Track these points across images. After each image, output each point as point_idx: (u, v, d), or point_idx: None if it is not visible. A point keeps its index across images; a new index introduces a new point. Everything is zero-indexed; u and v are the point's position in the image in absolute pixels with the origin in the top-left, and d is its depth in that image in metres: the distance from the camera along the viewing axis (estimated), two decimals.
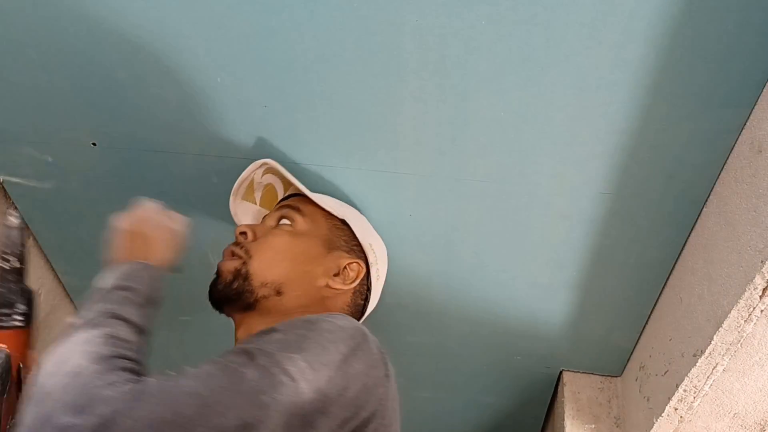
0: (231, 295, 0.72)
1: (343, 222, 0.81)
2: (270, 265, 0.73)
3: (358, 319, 0.81)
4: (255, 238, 0.76)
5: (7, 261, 0.75)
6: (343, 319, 0.63)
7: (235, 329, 0.75)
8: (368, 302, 0.81)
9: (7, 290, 0.75)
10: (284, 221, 0.78)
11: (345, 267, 0.77)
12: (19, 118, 0.92)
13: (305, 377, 0.53)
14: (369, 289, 0.81)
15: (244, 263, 0.73)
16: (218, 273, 0.75)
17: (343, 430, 0.55)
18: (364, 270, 0.78)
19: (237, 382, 0.50)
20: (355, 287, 0.77)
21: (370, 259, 0.80)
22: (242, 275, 0.72)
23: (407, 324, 1.16)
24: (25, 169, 1.00)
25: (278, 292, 0.72)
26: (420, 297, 1.09)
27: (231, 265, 0.73)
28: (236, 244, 0.77)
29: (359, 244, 0.81)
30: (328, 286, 0.75)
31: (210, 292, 0.74)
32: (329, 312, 0.74)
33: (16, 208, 1.08)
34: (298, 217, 0.78)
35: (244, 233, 0.77)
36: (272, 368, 0.52)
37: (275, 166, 0.82)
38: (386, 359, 0.64)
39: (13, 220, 0.81)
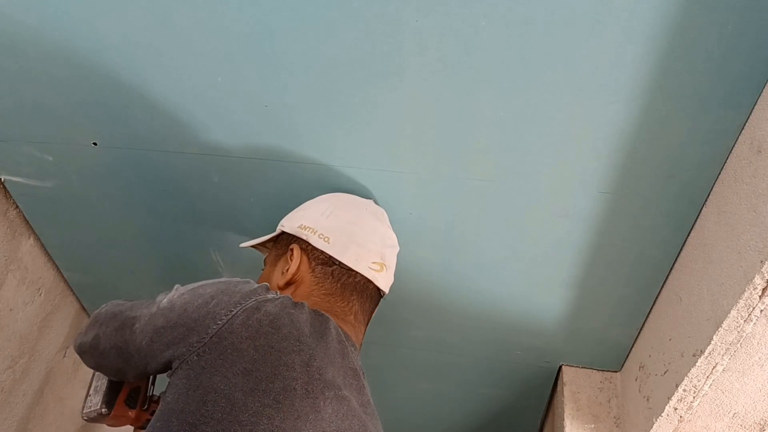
0: None
1: (282, 232, 0.84)
2: None
3: (344, 280, 0.77)
4: None
5: None
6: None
7: None
8: (337, 256, 0.77)
9: None
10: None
11: (288, 261, 0.79)
12: (20, 117, 0.92)
13: (168, 296, 0.68)
14: (326, 254, 0.77)
15: None
16: None
17: (183, 343, 0.61)
18: (299, 249, 0.79)
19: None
20: (304, 268, 0.77)
21: (304, 236, 0.79)
22: None
23: (409, 319, 1.16)
24: (26, 168, 1.01)
25: None
26: (421, 293, 1.09)
27: None
28: None
29: (294, 237, 0.81)
30: (280, 287, 0.77)
31: None
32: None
33: (17, 207, 1.08)
34: (266, 262, 0.87)
35: None
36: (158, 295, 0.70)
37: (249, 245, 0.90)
38: (252, 299, 0.64)
39: None
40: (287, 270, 0.77)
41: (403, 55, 0.75)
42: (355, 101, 0.81)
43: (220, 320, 0.61)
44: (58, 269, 1.22)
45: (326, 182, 0.92)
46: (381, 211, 0.90)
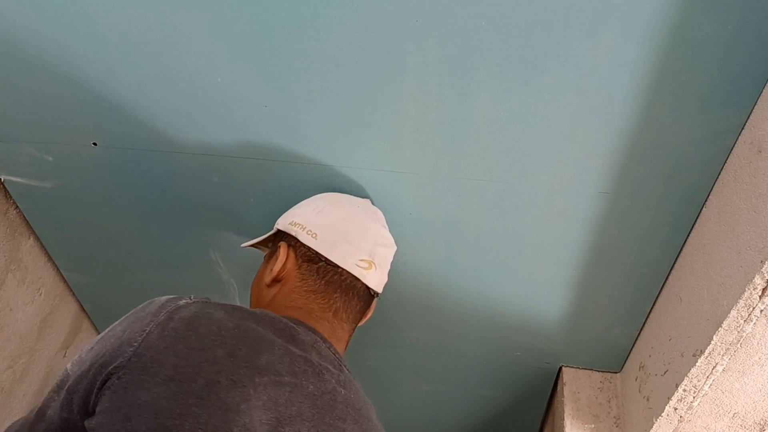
0: None
1: (278, 230, 0.84)
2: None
3: (329, 277, 0.76)
4: None
5: None
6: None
7: None
8: (324, 252, 0.77)
9: None
10: None
11: (276, 259, 0.78)
12: (20, 118, 0.92)
13: (72, 360, 0.63)
14: (313, 250, 0.77)
15: None
16: None
17: (101, 376, 0.58)
18: (286, 246, 0.79)
19: None
20: (290, 265, 0.77)
21: (294, 232, 0.79)
22: None
23: (408, 320, 1.16)
24: (25, 168, 1.01)
25: None
26: (421, 294, 1.09)
27: None
28: None
29: (284, 234, 0.81)
30: (267, 285, 0.77)
31: None
32: (275, 304, 0.76)
33: (17, 207, 1.08)
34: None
35: None
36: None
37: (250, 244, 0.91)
38: (163, 312, 0.62)
39: None
40: (274, 267, 0.77)
41: (403, 55, 0.75)
42: (355, 101, 0.81)
43: (136, 342, 0.59)
44: (58, 269, 1.22)
45: (326, 182, 0.92)
46: (375, 211, 0.90)
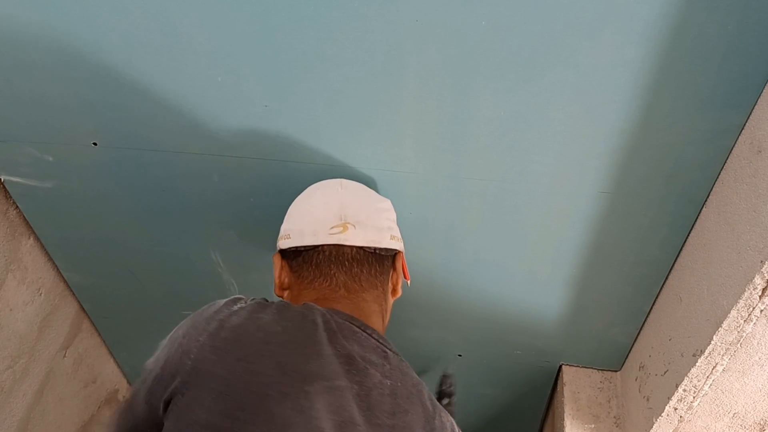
0: None
1: None
2: None
3: (316, 259, 0.76)
4: None
5: None
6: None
7: None
8: (297, 243, 0.78)
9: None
10: None
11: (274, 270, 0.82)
12: (20, 118, 0.92)
13: (154, 355, 0.66)
14: (297, 250, 0.78)
15: None
16: None
17: (171, 388, 0.61)
18: (278, 256, 0.81)
19: None
20: (285, 272, 0.79)
21: (278, 245, 0.81)
22: None
23: (409, 319, 1.16)
24: (25, 168, 1.01)
25: None
26: (421, 293, 1.09)
27: None
28: None
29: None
30: (278, 294, 0.80)
31: None
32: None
33: (17, 207, 1.08)
34: None
35: None
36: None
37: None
38: (215, 321, 0.63)
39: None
40: (274, 276, 0.80)
41: (403, 55, 0.75)
42: (355, 101, 0.81)
43: (193, 354, 0.61)
44: (58, 269, 1.22)
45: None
46: (339, 182, 0.86)
